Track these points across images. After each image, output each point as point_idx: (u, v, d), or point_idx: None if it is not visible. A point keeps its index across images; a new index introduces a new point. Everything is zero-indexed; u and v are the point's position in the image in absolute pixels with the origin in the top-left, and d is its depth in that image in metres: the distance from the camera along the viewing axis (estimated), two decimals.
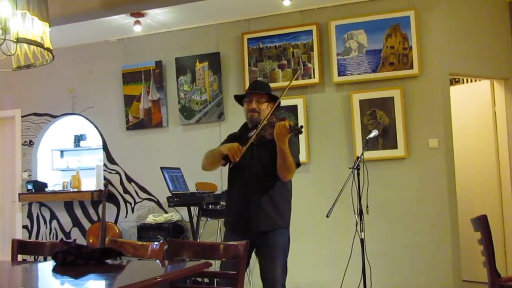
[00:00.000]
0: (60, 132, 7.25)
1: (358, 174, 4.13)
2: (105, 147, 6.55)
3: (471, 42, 5.45)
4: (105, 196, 6.18)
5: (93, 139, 7.11)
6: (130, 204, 6.37)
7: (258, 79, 5.66)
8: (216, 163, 3.58)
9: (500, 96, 5.73)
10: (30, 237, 6.81)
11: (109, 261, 2.60)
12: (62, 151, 7.49)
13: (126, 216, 6.37)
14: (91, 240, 6.13)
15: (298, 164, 3.52)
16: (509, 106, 5.64)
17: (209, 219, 5.53)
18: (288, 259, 3.41)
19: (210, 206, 5.21)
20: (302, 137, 5.51)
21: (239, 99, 3.70)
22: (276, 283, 3.40)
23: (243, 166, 3.53)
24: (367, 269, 4.12)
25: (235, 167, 3.50)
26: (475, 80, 6.03)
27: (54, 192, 6.72)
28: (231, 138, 3.65)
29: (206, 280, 5.11)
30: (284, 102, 5.60)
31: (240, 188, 3.58)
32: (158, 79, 6.22)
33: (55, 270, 2.49)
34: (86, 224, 6.54)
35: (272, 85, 5.62)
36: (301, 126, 3.28)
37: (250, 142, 3.29)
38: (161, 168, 5.27)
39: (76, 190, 6.71)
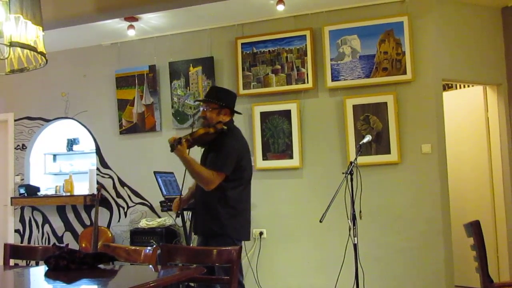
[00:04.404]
0: (53, 136, 7.22)
1: (351, 179, 4.14)
2: (98, 151, 6.53)
3: (464, 48, 5.47)
4: (97, 200, 6.17)
5: (86, 143, 7.09)
6: (123, 208, 6.35)
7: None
8: None
9: (492, 102, 5.75)
10: (22, 242, 6.78)
11: (101, 266, 2.60)
12: (55, 155, 7.46)
13: (119, 221, 6.34)
14: (83, 245, 6.10)
15: (220, 171, 3.55)
16: (501, 111, 5.66)
17: None
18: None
19: None
20: (295, 142, 5.53)
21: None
22: None
23: None
24: (360, 274, 4.12)
25: None
26: (468, 86, 6.06)
27: (46, 196, 6.68)
28: None
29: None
30: (278, 107, 5.63)
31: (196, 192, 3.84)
32: (152, 83, 6.21)
33: (48, 275, 2.48)
34: (79, 229, 6.51)
35: (265, 90, 5.68)
36: (179, 140, 3.41)
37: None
38: (154, 172, 5.26)
39: (68, 194, 6.68)
